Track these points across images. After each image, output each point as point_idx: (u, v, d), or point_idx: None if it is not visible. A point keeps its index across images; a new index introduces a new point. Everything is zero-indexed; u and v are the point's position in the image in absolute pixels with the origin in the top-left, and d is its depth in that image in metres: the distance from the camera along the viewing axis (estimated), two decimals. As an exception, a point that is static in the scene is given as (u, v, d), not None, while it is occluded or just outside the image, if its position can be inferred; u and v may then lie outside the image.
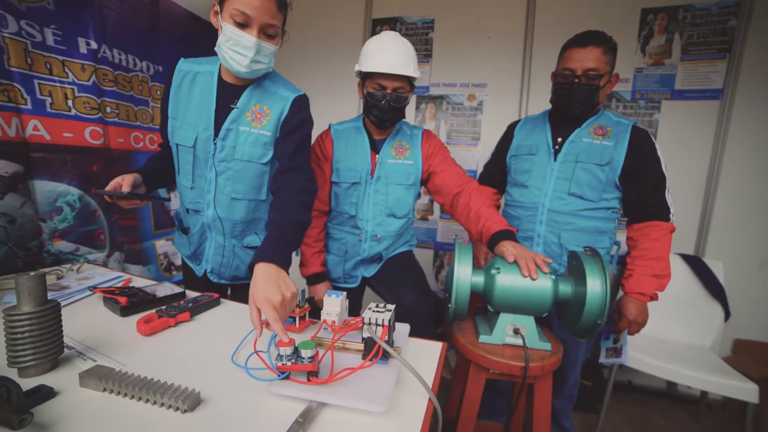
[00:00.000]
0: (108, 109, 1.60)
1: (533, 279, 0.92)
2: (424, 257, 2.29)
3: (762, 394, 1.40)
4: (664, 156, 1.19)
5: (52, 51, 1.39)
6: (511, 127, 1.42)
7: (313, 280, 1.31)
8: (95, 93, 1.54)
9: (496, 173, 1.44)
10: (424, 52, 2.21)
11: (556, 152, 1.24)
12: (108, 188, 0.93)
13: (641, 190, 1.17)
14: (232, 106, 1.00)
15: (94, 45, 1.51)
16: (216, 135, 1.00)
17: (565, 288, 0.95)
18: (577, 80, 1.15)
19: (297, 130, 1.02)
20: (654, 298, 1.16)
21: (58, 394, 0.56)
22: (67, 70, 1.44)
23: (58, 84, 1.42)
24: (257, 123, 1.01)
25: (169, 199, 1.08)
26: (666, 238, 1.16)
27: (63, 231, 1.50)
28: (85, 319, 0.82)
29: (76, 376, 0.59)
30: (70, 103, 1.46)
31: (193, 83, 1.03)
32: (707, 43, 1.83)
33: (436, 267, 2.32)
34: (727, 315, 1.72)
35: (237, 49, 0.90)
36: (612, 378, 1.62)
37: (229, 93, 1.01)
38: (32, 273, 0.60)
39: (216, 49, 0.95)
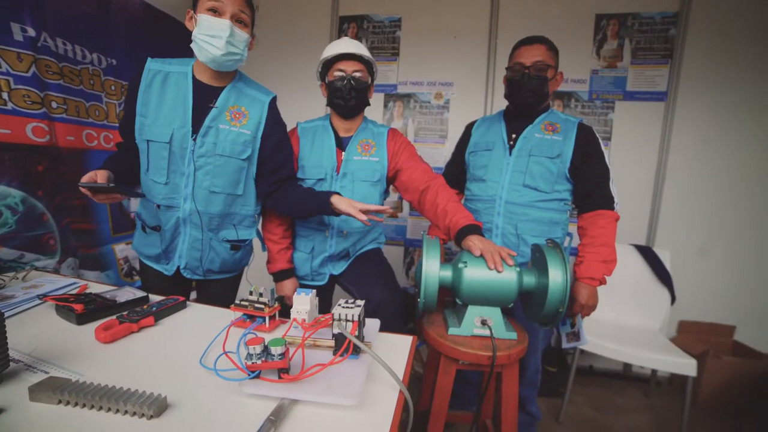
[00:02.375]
0: (54, 104, 1.48)
1: (499, 271, 0.96)
2: (394, 254, 2.32)
3: (699, 368, 1.55)
4: (607, 151, 1.30)
5: (-25, 37, 1.25)
6: (469, 127, 1.50)
7: (279, 276, 1.30)
8: (36, 86, 1.41)
9: (458, 172, 1.50)
10: (392, 51, 2.23)
11: (511, 147, 1.32)
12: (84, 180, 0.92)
13: (588, 181, 1.27)
14: (211, 105, 1.07)
15: (32, 32, 1.38)
16: (194, 132, 1.05)
17: (529, 279, 1.00)
18: (527, 71, 1.25)
19: (284, 142, 1.19)
20: (602, 282, 1.24)
21: (4, 411, 0.52)
22: (-1, 59, 1.31)
23: (-11, 74, 1.29)
24: (236, 122, 1.09)
25: (144, 195, 1.05)
26: (611, 226, 1.25)
27: (3, 236, 1.37)
28: (35, 330, 0.77)
29: (24, 390, 0.55)
30: (5, 95, 1.33)
31: (164, 82, 1.06)
32: (652, 49, 1.98)
33: (406, 264, 2.35)
34: (673, 299, 1.87)
35: (212, 33, 0.97)
36: (574, 364, 1.73)
37: (205, 93, 1.07)
38: (-29, 281, 0.55)
39: (192, 46, 1.02)
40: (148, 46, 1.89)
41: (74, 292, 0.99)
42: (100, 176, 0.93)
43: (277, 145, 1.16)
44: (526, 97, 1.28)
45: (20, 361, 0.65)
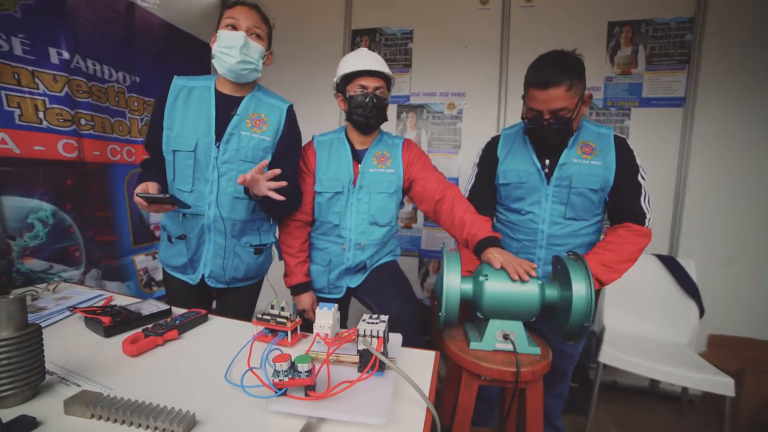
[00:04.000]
0: (83, 121, 1.55)
1: (524, 281, 0.94)
2: (409, 265, 2.31)
3: (737, 387, 1.45)
4: (640, 161, 1.22)
5: (20, 61, 1.34)
6: (492, 148, 1.32)
7: (297, 290, 1.31)
8: (68, 104, 1.48)
9: (488, 197, 1.33)
10: (404, 62, 2.26)
11: (548, 175, 1.21)
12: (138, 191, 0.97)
13: (619, 197, 1.21)
14: (233, 113, 1.12)
15: (66, 55, 1.46)
16: (218, 140, 1.10)
17: (552, 292, 0.98)
18: (546, 122, 1.11)
19: (295, 149, 1.23)
20: (594, 285, 1.17)
21: (42, 424, 0.53)
22: (37, 80, 1.39)
23: (27, 95, 1.36)
24: (257, 129, 1.14)
25: (189, 206, 1.09)
26: (633, 239, 1.16)
27: (34, 248, 1.42)
28: (66, 342, 0.79)
29: (60, 404, 0.56)
30: (41, 115, 1.40)
31: (189, 96, 1.12)
32: (668, 55, 1.95)
33: (421, 275, 2.33)
34: (702, 311, 1.80)
35: (228, 43, 1.05)
36: (598, 379, 1.67)
37: (226, 102, 1.13)
38: (11, 296, 0.57)
39: (213, 61, 1.10)
40: (169, 63, 1.96)
41: (100, 304, 1.02)
42: (152, 188, 0.99)
43: (285, 151, 1.20)
44: (549, 143, 1.17)
45: (54, 373, 0.66)
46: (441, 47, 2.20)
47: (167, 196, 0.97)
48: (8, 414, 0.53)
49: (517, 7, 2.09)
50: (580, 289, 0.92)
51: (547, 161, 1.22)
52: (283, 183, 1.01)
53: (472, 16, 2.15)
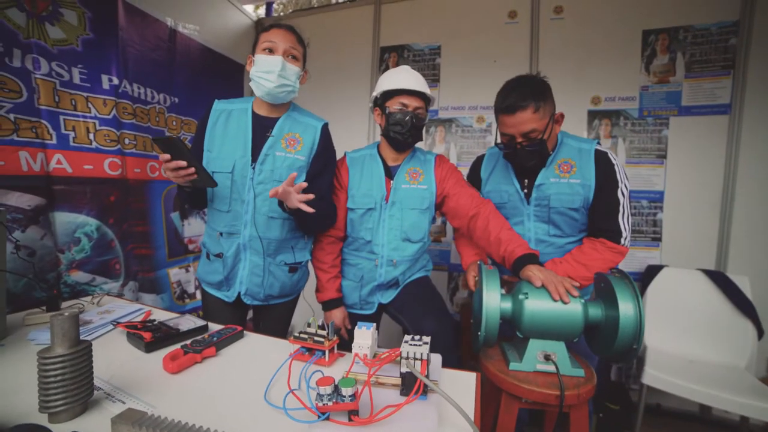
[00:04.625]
0: (126, 141, 1.64)
1: (565, 303, 0.90)
2: (439, 279, 2.26)
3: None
4: (625, 175, 1.15)
5: (77, 88, 1.45)
6: (476, 168, 1.36)
7: (328, 305, 1.30)
8: (115, 126, 1.58)
9: None
10: (432, 77, 2.26)
11: (527, 195, 1.21)
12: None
13: (595, 212, 1.16)
14: (268, 134, 1.15)
15: (115, 81, 1.56)
16: (253, 161, 1.12)
17: (595, 311, 0.93)
18: (519, 145, 1.12)
19: (329, 168, 1.24)
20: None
21: (91, 441, 0.54)
22: (90, 105, 1.49)
23: (81, 119, 1.47)
24: (291, 149, 1.16)
25: (216, 184, 1.08)
26: (603, 255, 1.11)
27: (80, 261, 1.50)
28: (110, 357, 0.81)
29: (107, 421, 0.56)
30: (91, 136, 1.50)
31: (228, 119, 1.16)
32: (710, 61, 1.86)
33: (450, 289, 2.28)
34: (761, 332, 1.66)
35: (266, 68, 1.08)
36: (642, 402, 1.56)
37: (263, 124, 1.16)
38: (66, 313, 0.59)
39: (251, 84, 1.12)
40: (205, 84, 2.06)
41: (140, 318, 1.05)
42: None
43: (319, 170, 1.21)
44: (526, 166, 1.17)
45: (101, 389, 0.68)
46: (469, 62, 2.20)
47: (171, 137, 0.94)
48: (60, 429, 0.54)
49: (546, 19, 2.07)
50: (627, 309, 0.86)
51: (527, 181, 1.22)
52: (311, 195, 1.01)
53: (501, 31, 2.14)
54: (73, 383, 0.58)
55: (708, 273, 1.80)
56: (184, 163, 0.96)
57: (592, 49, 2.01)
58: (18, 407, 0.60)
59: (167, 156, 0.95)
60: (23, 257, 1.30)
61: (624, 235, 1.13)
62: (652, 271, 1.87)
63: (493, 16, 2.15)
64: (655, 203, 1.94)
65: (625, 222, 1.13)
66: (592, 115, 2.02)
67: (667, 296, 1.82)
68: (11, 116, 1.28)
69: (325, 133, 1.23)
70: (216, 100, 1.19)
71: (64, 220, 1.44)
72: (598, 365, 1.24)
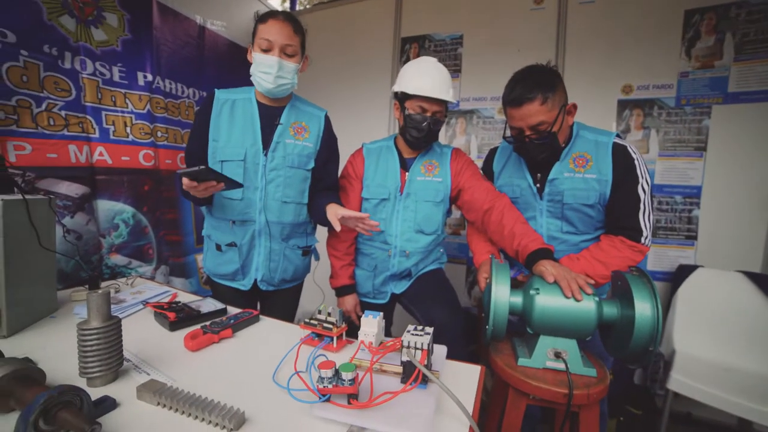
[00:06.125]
0: (159, 134, 1.74)
1: (577, 300, 0.88)
2: (457, 272, 2.26)
3: None
4: (646, 170, 1.08)
5: (117, 86, 1.57)
6: (489, 161, 1.33)
7: (341, 292, 1.35)
8: (148, 120, 1.68)
9: None
10: (454, 68, 2.22)
11: (540, 189, 1.17)
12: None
13: (614, 210, 1.09)
14: (277, 123, 1.18)
15: (150, 77, 1.67)
16: (265, 148, 1.16)
17: (610, 310, 0.90)
18: (527, 138, 1.08)
19: (332, 156, 1.30)
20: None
21: (119, 406, 0.60)
22: (127, 101, 1.60)
23: (119, 114, 1.58)
24: (300, 136, 1.21)
25: (241, 185, 1.11)
26: (622, 253, 1.06)
27: (119, 246, 1.63)
28: (139, 333, 0.88)
29: (133, 389, 0.63)
30: (128, 130, 1.61)
31: (233, 109, 1.18)
32: (767, 41, 1.69)
33: (468, 282, 2.27)
34: (806, 342, 1.53)
35: (264, 69, 1.10)
36: (667, 408, 1.49)
37: (269, 113, 1.19)
38: (100, 291, 0.65)
39: (251, 78, 1.15)
40: (232, 78, 2.13)
41: (167, 299, 1.13)
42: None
43: (326, 158, 1.27)
44: (537, 159, 1.12)
45: (130, 360, 0.75)
46: (491, 51, 2.14)
47: (202, 168, 0.92)
48: (94, 393, 0.61)
49: (575, 4, 1.96)
50: (644, 308, 0.83)
51: (539, 175, 1.16)
52: (376, 223, 1.09)
53: (525, 17, 2.06)
54: (106, 353, 0.64)
55: (751, 276, 1.67)
56: (213, 182, 0.99)
57: (625, 34, 1.89)
58: (65, 371, 0.68)
59: (194, 183, 0.96)
60: (70, 241, 1.43)
61: (645, 234, 1.07)
62: (685, 270, 1.77)
63: (518, 2, 2.07)
64: (690, 199, 1.82)
65: (646, 220, 1.07)
66: (623, 105, 1.90)
67: (700, 298, 1.71)
68: (63, 113, 1.42)
69: (328, 122, 1.29)
70: (216, 90, 1.20)
71: (105, 207, 1.57)
72: (622, 368, 1.19)
